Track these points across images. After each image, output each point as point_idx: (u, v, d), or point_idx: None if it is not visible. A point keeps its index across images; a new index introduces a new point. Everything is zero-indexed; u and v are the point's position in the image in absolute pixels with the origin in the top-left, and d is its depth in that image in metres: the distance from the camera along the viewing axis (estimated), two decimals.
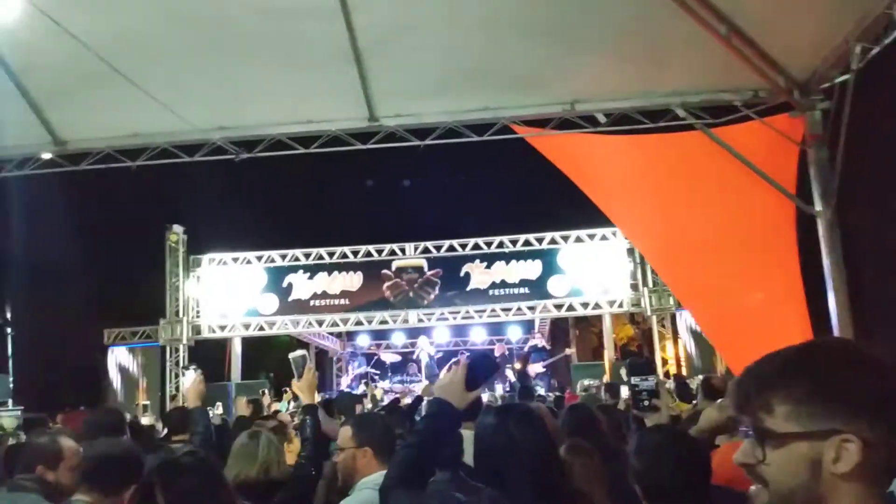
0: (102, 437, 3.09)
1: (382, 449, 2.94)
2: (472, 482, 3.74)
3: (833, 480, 1.08)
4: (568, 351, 20.22)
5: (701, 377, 7.68)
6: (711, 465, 2.29)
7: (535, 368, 18.71)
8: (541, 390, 14.77)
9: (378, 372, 21.07)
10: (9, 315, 14.39)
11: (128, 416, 11.01)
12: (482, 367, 2.23)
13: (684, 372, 15.07)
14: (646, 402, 2.91)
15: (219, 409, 11.51)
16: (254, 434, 3.79)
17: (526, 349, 20.38)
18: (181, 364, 16.68)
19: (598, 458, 3.05)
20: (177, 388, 16.39)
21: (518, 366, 19.52)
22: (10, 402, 13.14)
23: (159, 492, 2.21)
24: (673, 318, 16.37)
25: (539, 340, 19.63)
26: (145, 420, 13.01)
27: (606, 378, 15.81)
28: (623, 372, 12.76)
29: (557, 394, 13.33)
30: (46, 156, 8.13)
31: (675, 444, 2.26)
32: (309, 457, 3.53)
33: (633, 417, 3.42)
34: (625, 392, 11.06)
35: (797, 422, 1.11)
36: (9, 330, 14.14)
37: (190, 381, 4.26)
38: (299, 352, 3.86)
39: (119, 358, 17.34)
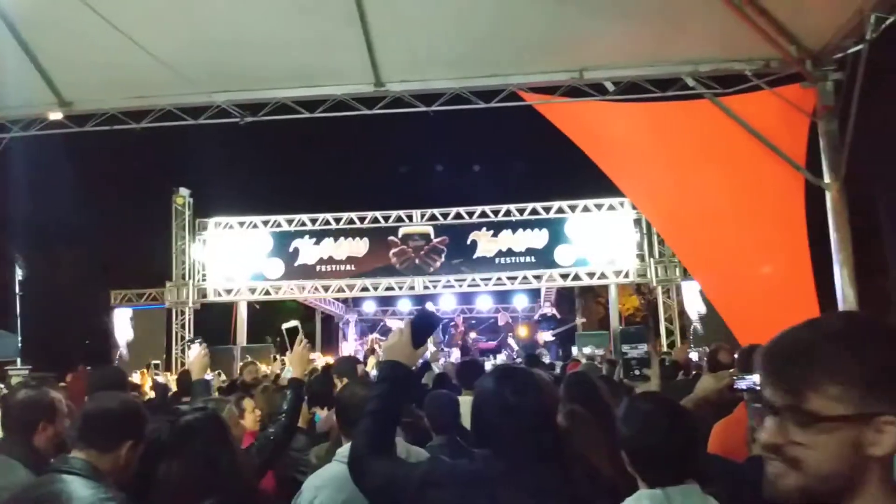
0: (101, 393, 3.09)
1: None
2: (466, 446, 3.77)
3: (867, 462, 1.06)
4: (578, 320, 20.23)
5: (707, 348, 7.67)
6: (699, 432, 2.28)
7: (545, 337, 18.78)
8: (546, 359, 14.81)
9: (384, 338, 21.17)
10: (18, 276, 14.48)
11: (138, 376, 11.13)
12: (424, 323, 2.29)
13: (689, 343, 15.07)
14: (636, 372, 2.90)
15: (221, 377, 11.57)
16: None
17: (536, 317, 20.39)
18: (188, 327, 16.80)
19: (596, 425, 3.05)
20: (182, 351, 16.52)
21: (524, 332, 19.62)
22: (18, 361, 13.28)
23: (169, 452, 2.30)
24: (679, 289, 16.34)
25: (549, 309, 19.62)
26: (160, 379, 13.15)
27: (612, 347, 15.89)
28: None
29: (562, 362, 13.38)
30: (54, 116, 8.10)
31: (662, 411, 2.26)
32: (284, 426, 3.51)
33: (624, 386, 3.43)
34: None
35: (848, 404, 1.06)
36: (17, 290, 14.23)
37: (195, 354, 4.29)
38: (292, 323, 3.87)
39: (125, 319, 17.47)
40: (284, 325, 3.82)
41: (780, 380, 1.11)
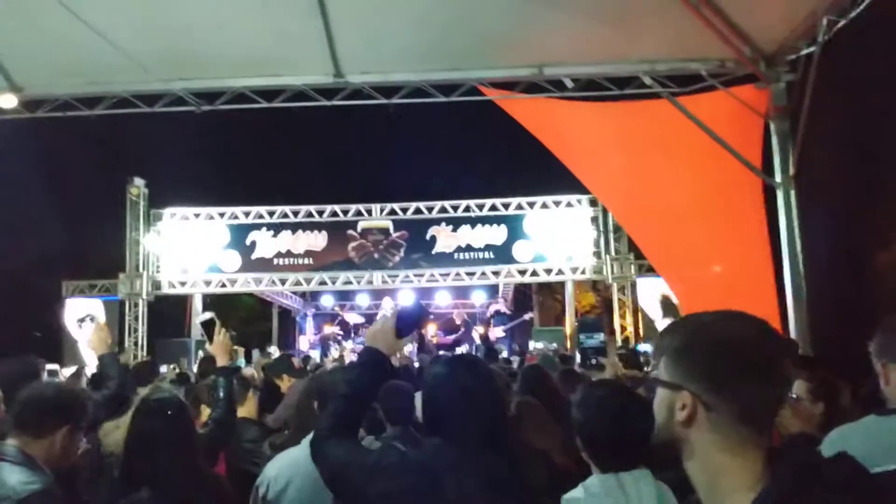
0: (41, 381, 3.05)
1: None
2: (420, 437, 3.77)
3: (679, 426, 1.31)
4: (527, 315, 20.42)
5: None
6: (652, 419, 2.32)
7: (496, 332, 18.94)
8: (504, 353, 14.92)
9: (342, 333, 21.08)
10: None
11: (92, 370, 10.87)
12: (412, 315, 2.28)
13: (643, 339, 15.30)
14: (592, 361, 2.95)
15: (176, 370, 11.40)
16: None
17: (488, 314, 20.60)
18: (141, 319, 16.52)
19: (548, 415, 3.09)
20: (135, 343, 16.24)
21: (481, 330, 19.80)
22: None
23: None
24: (634, 286, 16.57)
25: (501, 305, 19.81)
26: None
27: (567, 344, 16.06)
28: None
29: (518, 357, 13.50)
30: (5, 101, 7.85)
31: (616, 397, 2.30)
32: (218, 419, 3.54)
33: (581, 378, 3.48)
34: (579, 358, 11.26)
35: (665, 372, 1.35)
36: None
37: (93, 331, 4.18)
38: (206, 315, 3.88)
39: (76, 311, 17.08)
40: (199, 319, 3.83)
41: (654, 354, 1.46)
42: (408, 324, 2.25)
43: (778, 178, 7.22)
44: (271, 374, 5.98)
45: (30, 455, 2.58)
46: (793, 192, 7.16)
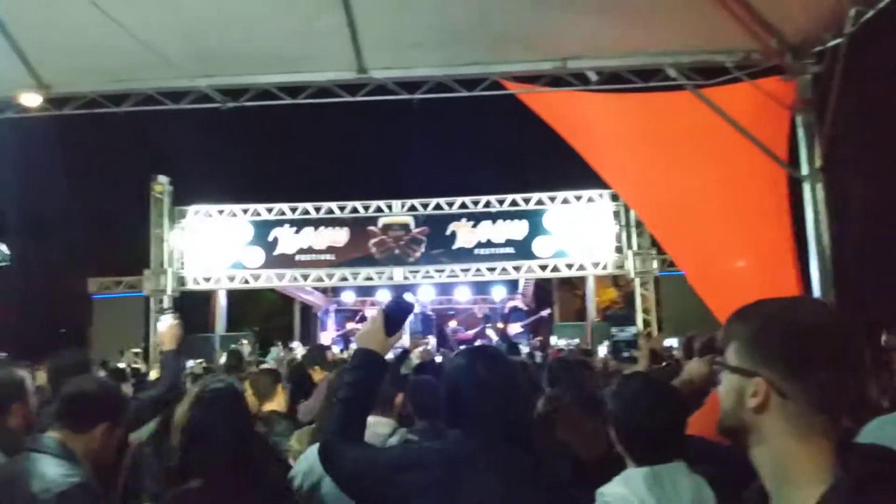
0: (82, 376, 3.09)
1: None
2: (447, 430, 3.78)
3: (750, 413, 1.30)
4: (545, 312, 20.39)
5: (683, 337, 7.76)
6: (688, 412, 2.32)
7: (514, 328, 18.96)
8: (525, 348, 14.91)
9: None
10: None
11: (122, 364, 11.04)
12: (397, 311, 2.30)
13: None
14: (624, 353, 2.95)
15: (203, 364, 11.50)
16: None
17: (506, 310, 20.64)
18: (156, 315, 16.67)
19: (577, 409, 3.08)
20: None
21: (500, 325, 19.84)
22: None
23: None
24: (657, 281, 16.48)
25: (518, 302, 19.82)
26: (139, 366, 13.08)
27: (588, 339, 16.01)
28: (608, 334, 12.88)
29: (539, 352, 13.49)
30: (32, 99, 7.94)
31: (652, 390, 2.29)
32: (154, 396, 3.78)
33: (601, 373, 3.47)
34: (602, 351, 11.22)
35: (735, 358, 1.34)
36: None
37: (165, 325, 4.26)
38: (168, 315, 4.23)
39: (103, 307, 17.27)
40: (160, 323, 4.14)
41: (722, 339, 1.40)
42: (395, 320, 2.27)
43: (804, 170, 7.13)
44: (305, 365, 6.01)
45: (69, 448, 2.61)
46: (819, 186, 7.08)
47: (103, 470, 2.76)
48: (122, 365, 10.65)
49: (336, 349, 18.66)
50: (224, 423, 2.48)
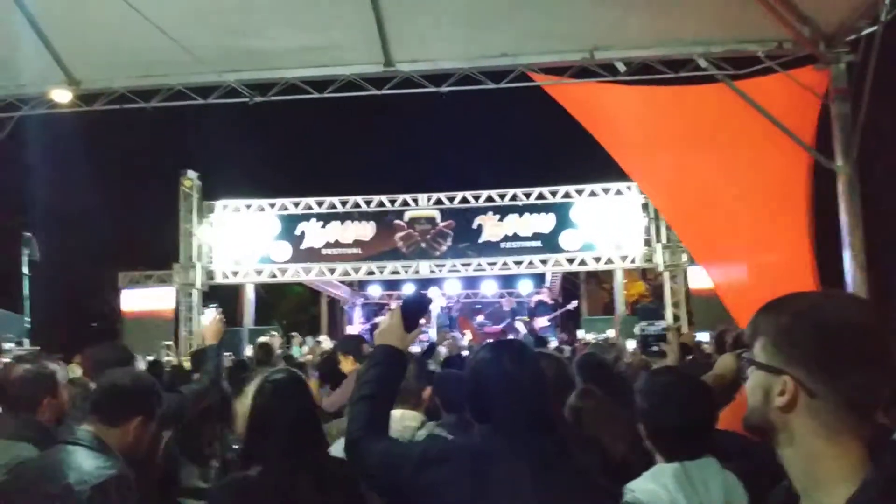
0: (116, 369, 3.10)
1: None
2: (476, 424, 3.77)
3: (777, 411, 1.26)
4: (571, 305, 20.29)
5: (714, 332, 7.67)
6: (718, 408, 2.28)
7: (540, 322, 18.92)
8: (554, 342, 14.84)
9: None
10: (26, 256, 14.48)
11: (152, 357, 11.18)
12: (415, 306, 2.29)
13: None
14: (654, 348, 2.91)
15: (233, 357, 11.60)
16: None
17: (532, 304, 20.63)
18: (195, 309, 16.84)
19: (609, 403, 3.05)
20: (190, 332, 16.56)
21: (526, 319, 19.79)
22: (26, 342, 13.31)
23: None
24: (685, 274, 16.30)
25: (544, 296, 19.78)
26: (171, 358, 13.25)
27: (614, 333, 15.90)
28: (636, 327, 12.78)
29: (567, 346, 13.43)
30: (63, 95, 8.04)
31: (682, 385, 2.26)
32: (196, 390, 3.83)
33: (641, 362, 3.44)
34: (630, 346, 11.12)
35: (763, 354, 1.30)
36: (25, 270, 14.24)
37: (209, 319, 4.30)
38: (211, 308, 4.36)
39: (133, 301, 17.50)
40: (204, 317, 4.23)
41: (749, 334, 1.37)
42: (413, 315, 2.26)
43: (839, 161, 6.99)
44: (339, 351, 5.99)
45: (104, 441, 2.62)
46: (853, 177, 6.94)
47: (137, 463, 2.76)
48: (153, 358, 10.77)
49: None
50: (286, 411, 2.48)
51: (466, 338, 17.33)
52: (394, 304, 22.76)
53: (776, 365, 1.26)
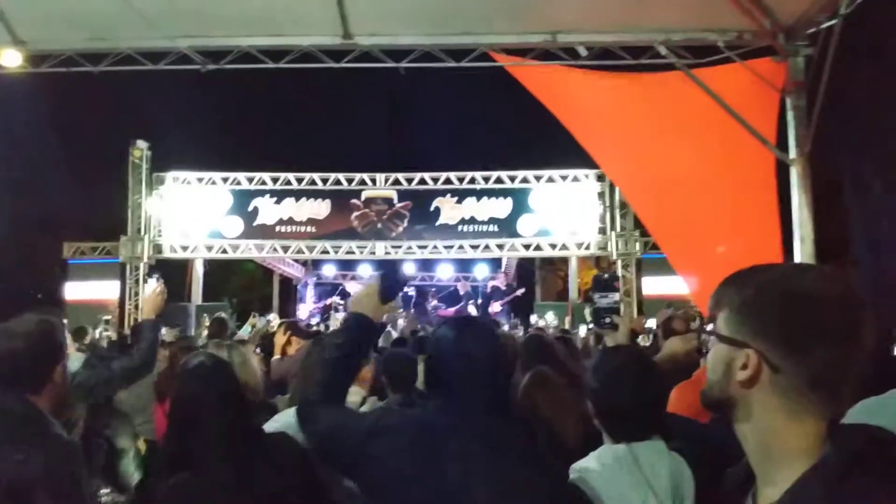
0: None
1: None
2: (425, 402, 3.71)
3: (738, 386, 1.21)
4: (519, 292, 20.48)
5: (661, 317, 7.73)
6: (667, 389, 2.24)
7: (494, 307, 19.02)
8: (505, 327, 14.90)
9: (343, 302, 21.04)
10: None
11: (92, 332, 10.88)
12: (392, 280, 2.25)
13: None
14: (606, 319, 2.87)
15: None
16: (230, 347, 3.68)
17: (488, 290, 20.80)
18: (141, 283, 16.46)
19: (562, 385, 3.01)
20: (136, 307, 16.20)
21: (480, 302, 19.95)
22: None
23: None
24: (638, 263, 16.48)
25: (499, 281, 19.93)
26: (109, 333, 12.93)
27: (569, 319, 16.02)
28: (587, 313, 12.89)
29: (518, 331, 13.48)
30: (8, 56, 7.67)
31: (633, 364, 2.21)
32: (127, 367, 3.66)
33: (594, 334, 3.43)
34: (583, 331, 11.19)
35: (725, 327, 1.25)
36: None
37: (150, 290, 4.13)
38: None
39: (78, 273, 17.03)
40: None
41: (712, 306, 1.32)
42: (392, 287, 2.22)
43: (792, 154, 7.07)
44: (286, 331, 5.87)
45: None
46: (807, 170, 7.02)
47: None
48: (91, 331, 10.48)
49: (314, 322, 18.58)
50: (209, 401, 2.34)
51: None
52: (349, 285, 22.64)
53: (739, 338, 1.21)
